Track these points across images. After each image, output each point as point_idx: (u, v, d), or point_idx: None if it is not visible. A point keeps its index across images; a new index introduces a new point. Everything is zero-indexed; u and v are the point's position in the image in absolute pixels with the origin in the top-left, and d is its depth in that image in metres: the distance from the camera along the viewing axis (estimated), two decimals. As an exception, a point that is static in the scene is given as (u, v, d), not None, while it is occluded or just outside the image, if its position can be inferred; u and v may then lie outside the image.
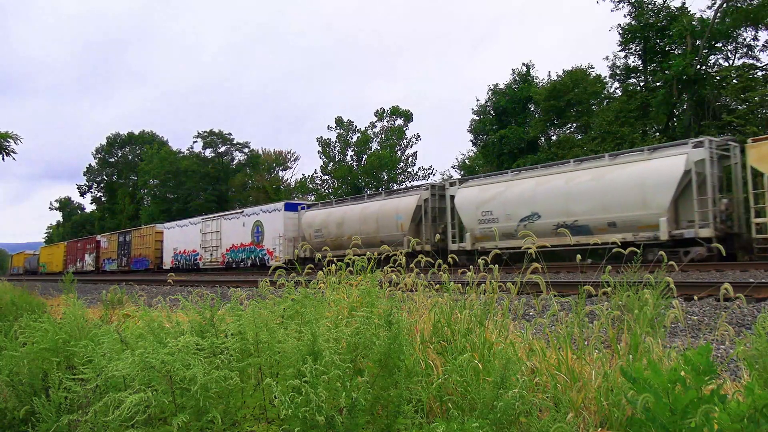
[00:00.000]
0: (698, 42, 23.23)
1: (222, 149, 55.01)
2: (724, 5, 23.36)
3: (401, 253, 4.09)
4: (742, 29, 24.08)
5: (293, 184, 50.81)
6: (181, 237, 33.70)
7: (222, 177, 53.41)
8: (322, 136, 46.45)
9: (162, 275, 30.20)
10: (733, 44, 24.82)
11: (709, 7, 24.39)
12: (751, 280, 7.99)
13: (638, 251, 3.07)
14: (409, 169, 44.88)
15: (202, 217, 32.92)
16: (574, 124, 30.60)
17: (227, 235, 29.58)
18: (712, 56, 24.97)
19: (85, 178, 67.94)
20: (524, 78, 33.43)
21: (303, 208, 25.78)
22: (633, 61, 27.63)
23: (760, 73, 23.91)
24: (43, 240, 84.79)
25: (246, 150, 55.15)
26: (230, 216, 29.96)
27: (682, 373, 1.78)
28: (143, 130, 65.34)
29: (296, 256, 23.58)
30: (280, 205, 26.41)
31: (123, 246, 40.12)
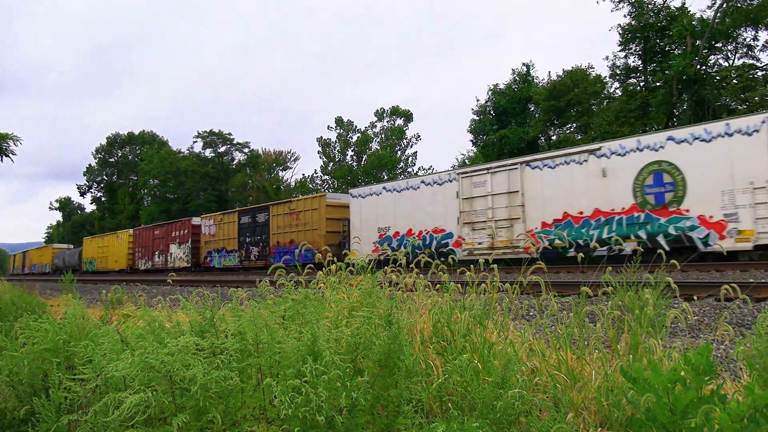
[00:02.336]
0: (698, 42, 23.23)
1: (222, 149, 55.02)
2: (724, 5, 23.36)
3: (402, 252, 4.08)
4: (742, 29, 24.09)
5: (293, 184, 50.82)
6: (398, 206, 19.01)
7: (222, 177, 53.40)
8: (322, 136, 46.50)
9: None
10: (733, 44, 24.84)
11: (709, 7, 24.42)
12: (751, 280, 7.99)
13: (640, 250, 3.06)
14: (409, 169, 44.89)
15: (461, 171, 17.40)
16: (574, 124, 30.60)
17: (548, 196, 14.96)
18: (712, 56, 24.99)
19: (85, 178, 67.97)
20: (524, 78, 33.43)
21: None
22: (633, 61, 27.66)
23: (760, 73, 23.93)
24: (43, 240, 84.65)
25: (246, 150, 55.17)
26: (563, 157, 14.79)
27: (682, 373, 1.78)
28: (143, 130, 65.36)
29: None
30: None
31: (251, 230, 26.50)
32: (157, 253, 34.11)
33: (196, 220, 31.72)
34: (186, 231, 31.64)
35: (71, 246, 56.06)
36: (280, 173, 54.00)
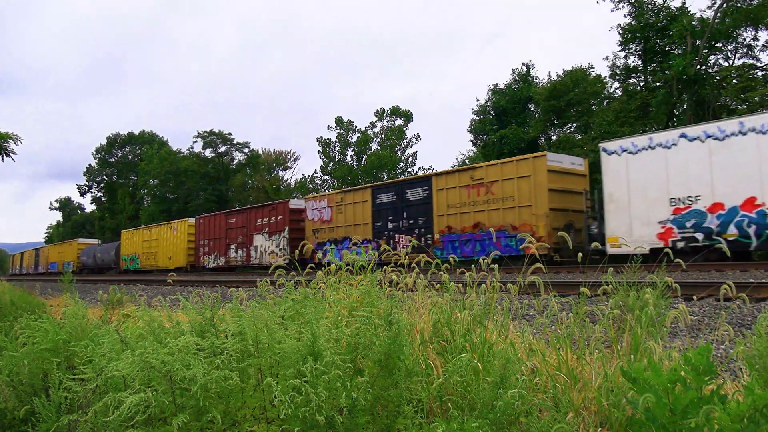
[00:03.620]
0: (698, 42, 23.23)
1: (222, 149, 55.02)
2: (724, 5, 23.36)
3: (405, 252, 4.08)
4: (742, 29, 24.09)
5: (293, 184, 50.83)
6: (720, 162, 12.12)
7: (222, 177, 53.40)
8: (322, 136, 46.50)
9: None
10: (733, 44, 24.84)
11: (709, 7, 24.42)
12: (751, 280, 7.99)
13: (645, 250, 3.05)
14: (409, 169, 44.89)
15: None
16: (574, 124, 30.60)
17: None
18: (712, 56, 24.99)
19: (85, 178, 67.97)
20: (524, 78, 33.43)
21: None
22: (633, 61, 27.67)
23: (760, 73, 23.93)
24: (44, 240, 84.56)
25: (246, 150, 55.18)
26: None
27: (682, 374, 1.78)
28: (143, 130, 65.36)
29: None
30: None
31: (397, 211, 19.53)
32: (233, 246, 26.74)
33: (296, 203, 24.63)
34: (280, 217, 24.17)
35: (98, 241, 49.49)
36: (280, 173, 54.03)
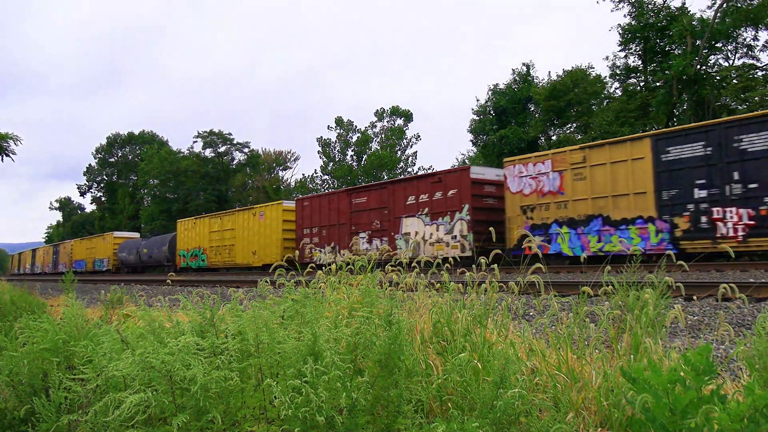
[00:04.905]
0: (698, 42, 23.24)
1: (222, 149, 55.05)
2: (724, 5, 23.37)
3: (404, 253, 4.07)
4: (742, 29, 24.11)
5: (293, 184, 50.85)
6: None
7: (222, 177, 53.42)
8: (322, 136, 46.54)
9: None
10: (733, 44, 24.86)
11: (709, 7, 24.44)
12: (751, 280, 7.99)
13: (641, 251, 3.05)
14: (409, 169, 44.90)
15: None
16: (574, 124, 30.63)
17: None
18: (712, 56, 25.00)
19: (85, 178, 68.00)
20: (524, 78, 33.45)
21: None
22: (633, 61, 27.68)
23: (760, 73, 23.95)
24: (44, 240, 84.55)
25: (246, 150, 55.21)
26: None
27: (682, 374, 1.78)
28: (143, 130, 65.39)
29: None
30: None
31: (725, 171, 12.21)
32: (364, 235, 19.84)
33: (480, 172, 17.40)
34: (452, 192, 16.99)
35: (138, 234, 42.97)
36: (280, 173, 54.06)
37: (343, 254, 18.51)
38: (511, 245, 15.58)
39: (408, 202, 18.61)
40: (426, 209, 17.89)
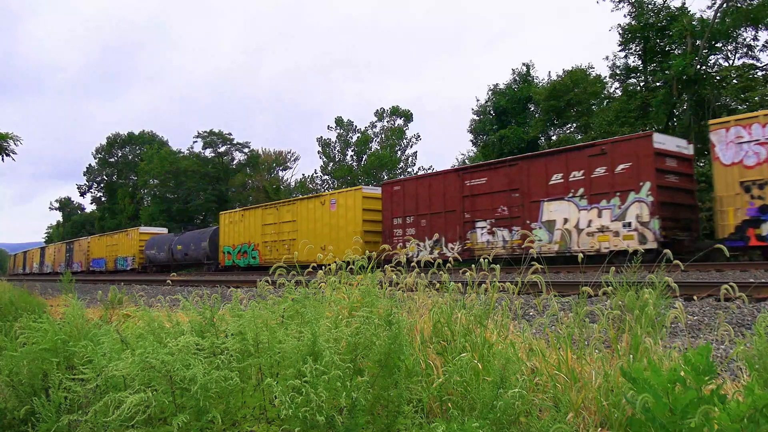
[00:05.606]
0: (698, 42, 23.24)
1: (222, 149, 55.06)
2: (724, 5, 23.37)
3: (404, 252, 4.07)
4: (742, 29, 24.10)
5: (293, 184, 50.86)
6: None
7: (222, 177, 53.42)
8: (322, 136, 46.54)
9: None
10: (733, 44, 24.85)
11: (709, 7, 24.43)
12: (751, 280, 7.99)
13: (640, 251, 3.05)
14: (409, 169, 44.91)
15: None
16: (574, 124, 30.62)
17: None
18: (712, 56, 25.00)
19: (85, 178, 68.03)
20: (524, 78, 33.46)
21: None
22: (633, 61, 27.67)
23: (760, 73, 23.94)
24: (44, 240, 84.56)
25: (246, 150, 55.23)
26: None
27: (682, 373, 1.78)
28: (143, 130, 65.41)
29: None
30: None
31: None
32: (484, 225, 16.02)
33: (661, 140, 13.33)
34: (622, 167, 13.39)
35: (166, 230, 38.09)
36: (280, 173, 54.05)
37: (453, 248, 16.45)
38: (725, 234, 12.42)
39: (552, 182, 14.60)
40: (581, 190, 14.05)
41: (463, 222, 16.56)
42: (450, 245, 16.80)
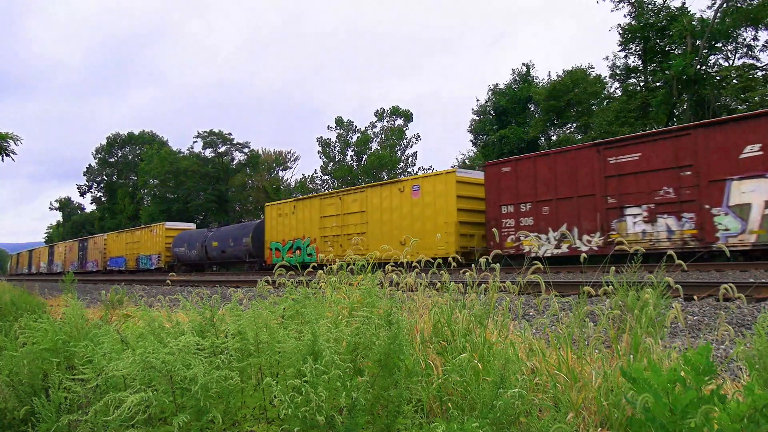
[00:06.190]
0: (698, 42, 23.24)
1: (222, 149, 55.08)
2: (724, 5, 23.38)
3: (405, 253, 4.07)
4: (742, 29, 24.11)
5: (293, 184, 50.86)
6: None
7: (222, 177, 53.44)
8: (322, 136, 46.56)
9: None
10: (733, 44, 24.86)
11: (709, 7, 24.44)
12: (751, 280, 7.99)
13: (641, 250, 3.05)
14: (410, 169, 44.92)
15: None
16: (574, 124, 30.64)
17: None
18: (712, 56, 25.01)
19: (85, 178, 68.08)
20: (524, 78, 33.48)
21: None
22: (633, 61, 27.68)
23: (760, 73, 23.95)
24: (44, 240, 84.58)
25: (246, 150, 55.25)
26: None
27: (682, 373, 1.78)
28: (143, 130, 65.47)
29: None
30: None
31: None
32: (636, 211, 13.27)
33: None
34: None
35: (194, 225, 35.11)
36: (280, 173, 54.06)
37: (590, 241, 13.69)
38: None
39: (743, 155, 11.69)
40: None
41: (606, 208, 13.56)
42: (585, 237, 13.87)
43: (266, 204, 25.19)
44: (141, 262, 33.35)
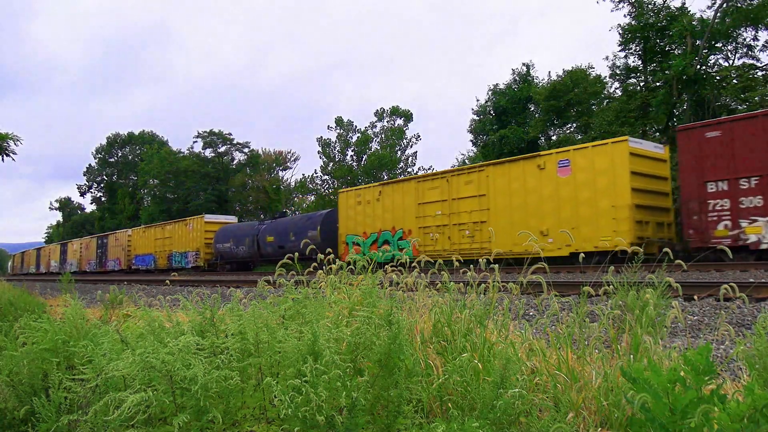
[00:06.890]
0: (698, 42, 23.23)
1: (222, 149, 55.07)
2: (724, 5, 23.36)
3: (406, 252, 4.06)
4: (742, 29, 24.10)
5: (293, 184, 50.85)
6: None
7: (222, 177, 53.43)
8: (322, 136, 46.52)
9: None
10: (733, 44, 24.84)
11: (709, 7, 24.42)
12: (751, 280, 7.98)
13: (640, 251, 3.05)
14: (409, 169, 44.90)
15: None
16: (574, 124, 30.62)
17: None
18: (712, 56, 24.99)
19: (85, 178, 68.09)
20: (524, 78, 33.47)
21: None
22: (633, 61, 27.66)
23: (760, 73, 23.94)
24: (44, 240, 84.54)
25: (246, 150, 55.24)
26: None
27: (682, 373, 1.78)
28: (143, 130, 65.50)
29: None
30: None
31: None
32: None
33: None
34: None
35: (235, 219, 30.97)
36: (280, 173, 54.05)
37: None
38: None
39: None
40: None
41: None
42: None
43: (340, 191, 21.02)
44: (174, 259, 29.41)
